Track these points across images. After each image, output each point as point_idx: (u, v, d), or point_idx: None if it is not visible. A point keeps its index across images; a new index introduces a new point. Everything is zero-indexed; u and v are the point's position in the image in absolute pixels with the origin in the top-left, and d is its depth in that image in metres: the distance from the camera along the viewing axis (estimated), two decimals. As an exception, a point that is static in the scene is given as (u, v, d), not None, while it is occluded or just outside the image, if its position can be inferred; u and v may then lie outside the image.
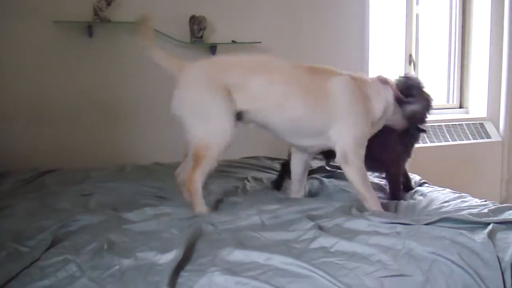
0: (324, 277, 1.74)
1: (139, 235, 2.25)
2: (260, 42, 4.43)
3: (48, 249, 2.05)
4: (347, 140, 2.57)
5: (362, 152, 2.59)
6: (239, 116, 2.61)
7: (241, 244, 2.03)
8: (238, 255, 1.91)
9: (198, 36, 4.22)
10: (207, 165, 2.52)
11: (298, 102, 2.59)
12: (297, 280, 1.74)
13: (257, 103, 2.59)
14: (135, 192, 3.00)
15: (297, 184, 2.94)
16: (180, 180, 2.83)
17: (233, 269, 1.80)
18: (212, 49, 4.35)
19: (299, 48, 4.66)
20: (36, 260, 1.95)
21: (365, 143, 2.62)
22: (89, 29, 4.00)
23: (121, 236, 2.21)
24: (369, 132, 2.67)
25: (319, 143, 2.71)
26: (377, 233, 2.15)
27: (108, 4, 3.95)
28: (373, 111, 2.67)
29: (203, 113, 2.53)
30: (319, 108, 2.60)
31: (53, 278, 1.80)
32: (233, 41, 4.35)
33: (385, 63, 5.39)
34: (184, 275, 1.79)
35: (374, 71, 5.04)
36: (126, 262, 1.90)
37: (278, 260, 1.85)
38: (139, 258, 1.93)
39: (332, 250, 1.99)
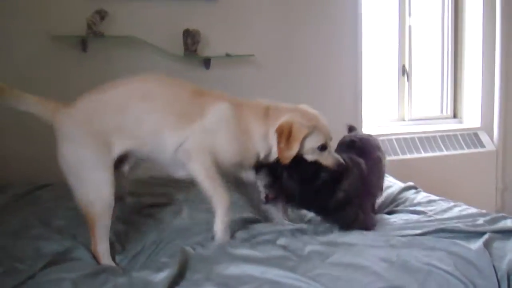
0: (320, 289, 1.75)
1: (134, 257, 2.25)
2: (253, 55, 4.46)
3: (44, 267, 2.05)
4: (198, 145, 2.37)
5: (213, 165, 2.38)
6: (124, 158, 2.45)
7: (236, 259, 2.03)
8: (233, 269, 1.91)
9: (192, 50, 4.23)
10: (100, 226, 2.28)
11: (168, 130, 2.39)
12: (293, 292, 1.75)
13: (135, 138, 2.39)
14: (131, 208, 2.97)
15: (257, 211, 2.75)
16: None
17: (228, 283, 1.80)
18: (206, 62, 4.36)
19: (292, 61, 4.69)
20: (31, 277, 1.95)
21: (223, 163, 2.41)
22: (83, 44, 4.02)
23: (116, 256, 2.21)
24: (240, 162, 2.47)
25: None
26: (372, 246, 2.15)
27: (102, 18, 3.95)
28: (253, 147, 2.46)
29: (79, 173, 2.30)
30: (189, 130, 2.39)
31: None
32: (227, 54, 4.37)
33: (378, 74, 5.41)
34: (179, 291, 1.79)
35: (368, 82, 5.07)
36: (121, 280, 1.90)
37: (273, 273, 1.85)
38: (134, 277, 1.93)
39: (327, 262, 1.99)
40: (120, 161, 2.44)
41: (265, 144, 2.47)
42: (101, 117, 2.36)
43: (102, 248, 2.28)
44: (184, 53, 4.25)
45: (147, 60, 4.18)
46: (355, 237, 2.26)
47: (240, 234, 2.45)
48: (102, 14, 3.95)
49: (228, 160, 2.43)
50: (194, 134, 2.38)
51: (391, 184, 3.38)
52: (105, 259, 2.28)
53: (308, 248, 2.15)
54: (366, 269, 1.90)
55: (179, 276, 1.90)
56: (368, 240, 2.21)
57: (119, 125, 2.36)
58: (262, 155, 2.48)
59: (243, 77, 4.50)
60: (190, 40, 4.21)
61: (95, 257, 2.28)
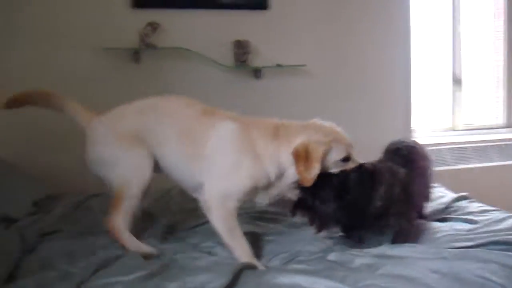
0: (369, 301, 1.74)
1: (188, 264, 2.27)
2: (305, 65, 4.47)
3: (96, 271, 2.10)
4: (212, 190, 2.36)
5: (232, 204, 2.35)
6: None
7: (285, 270, 2.04)
8: (283, 279, 1.90)
9: (243, 60, 4.27)
10: (128, 204, 2.40)
11: (174, 146, 2.47)
12: (343, 303, 1.74)
13: (149, 146, 2.49)
14: (182, 217, 3.00)
15: None
16: None
17: (278, 293, 1.81)
18: (257, 73, 4.40)
19: (343, 71, 4.68)
20: (84, 281, 2.00)
21: (239, 197, 2.37)
22: (136, 56, 4.11)
23: (169, 265, 2.24)
24: (253, 186, 2.40)
25: None
26: (422, 258, 2.12)
27: (154, 30, 4.03)
28: (262, 169, 2.40)
29: (112, 160, 2.47)
30: (193, 154, 2.43)
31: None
32: (278, 65, 4.39)
33: (430, 83, 5.35)
34: (230, 299, 1.81)
35: (419, 91, 5.02)
36: (173, 285, 1.93)
37: (323, 284, 1.84)
38: (187, 282, 1.95)
39: (377, 273, 1.97)
40: None
41: (276, 165, 2.40)
42: (122, 122, 2.55)
43: (122, 223, 2.39)
44: (234, 64, 4.30)
45: (198, 71, 4.24)
46: (405, 249, 2.24)
47: (290, 251, 2.46)
48: (154, 26, 4.03)
49: (242, 185, 2.37)
50: (204, 176, 2.40)
51: (443, 194, 3.33)
52: (124, 234, 2.38)
53: (358, 261, 2.14)
54: (416, 280, 1.88)
55: (232, 284, 1.92)
56: (419, 252, 2.18)
57: (136, 129, 2.51)
58: (273, 177, 2.41)
59: (294, 87, 4.52)
60: (241, 50, 4.25)
61: (111, 233, 2.41)
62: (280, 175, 2.42)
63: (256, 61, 4.41)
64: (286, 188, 2.47)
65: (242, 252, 2.32)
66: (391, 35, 4.83)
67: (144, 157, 2.46)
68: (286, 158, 2.36)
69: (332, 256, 2.27)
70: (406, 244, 2.34)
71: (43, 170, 3.59)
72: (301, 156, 2.28)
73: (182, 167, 2.46)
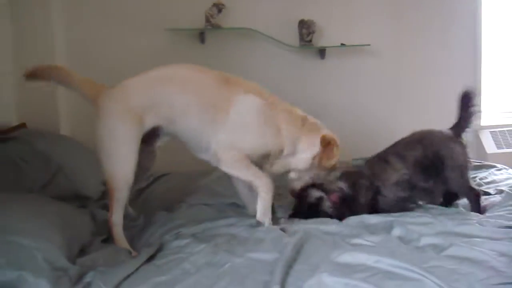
0: (434, 282, 1.70)
1: (249, 239, 2.30)
2: (369, 45, 4.42)
3: (162, 249, 2.15)
4: (220, 142, 2.53)
5: (240, 152, 2.53)
6: (154, 132, 2.61)
7: (349, 247, 2.04)
8: (346, 257, 1.91)
9: (307, 40, 4.25)
10: (118, 198, 2.44)
11: (195, 114, 2.54)
12: (406, 283, 1.72)
13: (165, 115, 2.54)
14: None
15: (248, 199, 2.80)
16: None
17: (342, 271, 1.80)
18: (321, 52, 4.37)
19: (408, 50, 4.60)
20: (152, 258, 2.05)
21: (246, 152, 2.54)
22: (201, 36, 4.15)
23: (231, 239, 2.28)
24: (262, 153, 2.60)
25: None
26: (491, 238, 2.08)
27: (219, 11, 4.06)
28: (278, 143, 2.61)
29: (109, 147, 2.47)
30: (215, 122, 2.53)
31: (169, 275, 1.87)
32: (342, 44, 4.35)
33: (499, 64, 5.19)
34: (293, 275, 1.82)
35: (487, 73, 4.88)
36: (238, 260, 1.96)
37: (386, 263, 1.83)
38: (250, 258, 1.98)
39: (443, 254, 1.95)
40: (151, 137, 2.64)
41: (292, 147, 2.65)
42: (136, 95, 2.54)
43: (115, 218, 2.43)
44: (299, 43, 4.28)
45: (263, 51, 4.25)
46: (473, 227, 2.21)
47: (352, 223, 2.47)
48: (219, 7, 4.06)
49: (255, 151, 2.57)
50: (219, 135, 2.53)
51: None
52: (116, 228, 2.43)
53: (424, 239, 2.11)
54: (483, 263, 1.85)
55: (294, 258, 1.94)
56: (487, 231, 2.15)
57: (151, 104, 2.53)
58: (285, 152, 2.65)
59: (358, 67, 4.48)
60: (305, 30, 4.24)
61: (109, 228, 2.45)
62: (291, 155, 2.67)
63: (320, 41, 4.38)
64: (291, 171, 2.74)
65: (261, 181, 2.54)
66: (460, 14, 4.71)
67: (133, 153, 2.47)
68: (303, 146, 2.65)
69: (396, 231, 2.26)
70: (475, 219, 2.32)
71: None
72: (328, 145, 2.61)
73: (199, 130, 2.56)
